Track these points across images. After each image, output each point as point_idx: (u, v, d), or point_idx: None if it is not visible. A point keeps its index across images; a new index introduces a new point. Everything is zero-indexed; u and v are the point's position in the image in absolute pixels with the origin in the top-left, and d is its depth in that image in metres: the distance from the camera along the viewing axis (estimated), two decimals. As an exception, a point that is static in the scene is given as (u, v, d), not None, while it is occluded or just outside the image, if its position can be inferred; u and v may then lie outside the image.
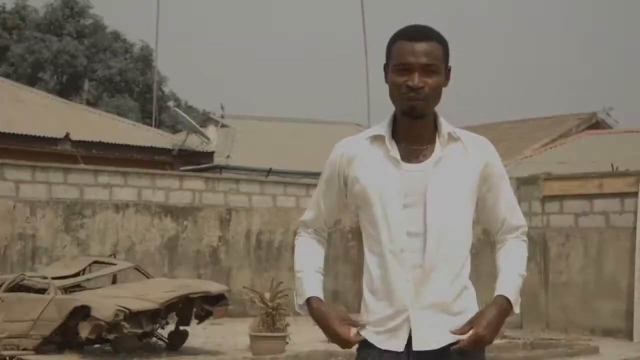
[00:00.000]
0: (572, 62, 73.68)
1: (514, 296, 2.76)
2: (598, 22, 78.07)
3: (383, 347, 2.74)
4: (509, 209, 2.85)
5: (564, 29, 77.33)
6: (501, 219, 2.85)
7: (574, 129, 23.75)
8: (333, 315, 2.78)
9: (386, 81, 2.80)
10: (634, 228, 13.51)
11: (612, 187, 13.82)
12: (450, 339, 2.71)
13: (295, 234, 3.06)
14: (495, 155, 2.84)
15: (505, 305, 2.73)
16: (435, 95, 2.74)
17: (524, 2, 79.61)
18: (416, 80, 2.69)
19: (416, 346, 2.70)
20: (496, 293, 2.75)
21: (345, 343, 2.77)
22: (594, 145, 19.58)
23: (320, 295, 2.82)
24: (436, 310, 2.70)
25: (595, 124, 24.50)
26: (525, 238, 2.90)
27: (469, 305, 2.78)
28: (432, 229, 2.70)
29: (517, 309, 2.77)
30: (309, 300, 2.81)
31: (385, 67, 2.81)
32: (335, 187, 2.87)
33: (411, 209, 2.71)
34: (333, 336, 2.78)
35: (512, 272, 2.81)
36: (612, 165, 15.21)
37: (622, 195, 13.72)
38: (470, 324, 2.69)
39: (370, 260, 2.79)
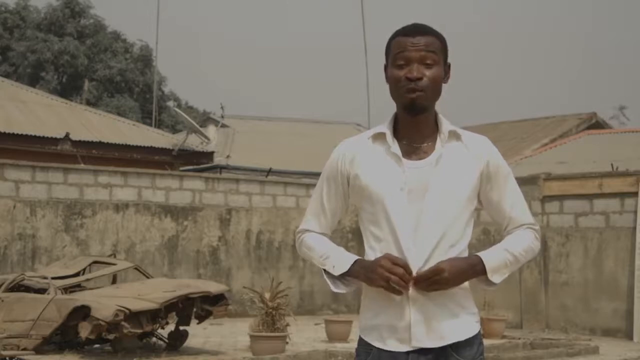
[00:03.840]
0: (572, 62, 73.67)
1: (491, 263, 2.73)
2: (598, 22, 78.04)
3: (385, 347, 2.73)
4: (515, 208, 2.85)
5: (565, 28, 77.29)
6: (507, 217, 2.85)
7: (574, 129, 23.74)
8: (387, 255, 2.66)
9: (387, 80, 2.81)
10: (634, 228, 13.51)
11: (612, 187, 13.82)
12: (448, 337, 2.72)
13: (295, 234, 3.02)
14: (497, 154, 2.85)
15: (475, 263, 2.71)
16: (434, 87, 2.74)
17: (525, 2, 79.59)
18: (415, 71, 2.71)
19: (415, 344, 2.70)
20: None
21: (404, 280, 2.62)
22: (594, 145, 19.58)
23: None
24: (435, 307, 2.70)
25: (595, 124, 24.49)
26: (536, 228, 2.87)
27: (467, 304, 2.78)
28: (432, 225, 2.70)
29: (494, 278, 2.74)
30: (354, 263, 2.72)
31: (386, 67, 2.82)
32: (338, 187, 2.86)
33: (412, 205, 2.71)
34: (386, 263, 2.62)
35: (500, 246, 2.80)
36: (612, 165, 15.22)
37: (622, 195, 13.72)
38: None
39: (371, 258, 2.78)
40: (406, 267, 2.64)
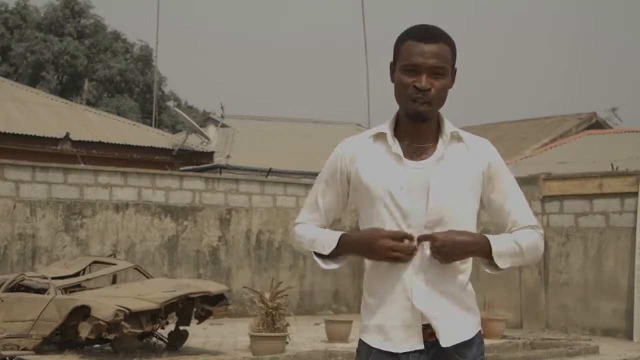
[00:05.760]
0: (572, 62, 73.68)
1: (498, 246, 2.71)
2: (599, 22, 78.05)
3: (386, 348, 2.72)
4: (518, 210, 2.82)
5: (565, 28, 77.30)
6: (511, 220, 2.82)
7: (574, 129, 23.75)
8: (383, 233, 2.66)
9: (392, 80, 2.79)
10: (634, 228, 13.51)
11: (612, 187, 13.82)
12: (451, 338, 2.70)
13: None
14: (498, 157, 2.84)
15: (480, 241, 2.69)
16: (440, 97, 2.74)
17: (525, 2, 79.60)
18: (424, 81, 2.69)
19: (417, 344, 2.69)
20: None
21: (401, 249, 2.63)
22: (594, 145, 19.58)
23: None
24: (437, 309, 2.69)
25: (595, 124, 24.49)
26: (540, 232, 2.84)
27: (470, 305, 2.77)
28: (432, 226, 2.69)
29: (500, 263, 2.71)
30: (340, 238, 2.74)
31: (392, 65, 2.80)
32: (336, 186, 2.85)
33: (413, 205, 2.70)
34: (387, 242, 2.63)
35: (507, 236, 2.78)
36: (612, 165, 15.22)
37: (622, 195, 13.72)
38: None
39: (371, 260, 2.77)
40: (407, 237, 2.65)
